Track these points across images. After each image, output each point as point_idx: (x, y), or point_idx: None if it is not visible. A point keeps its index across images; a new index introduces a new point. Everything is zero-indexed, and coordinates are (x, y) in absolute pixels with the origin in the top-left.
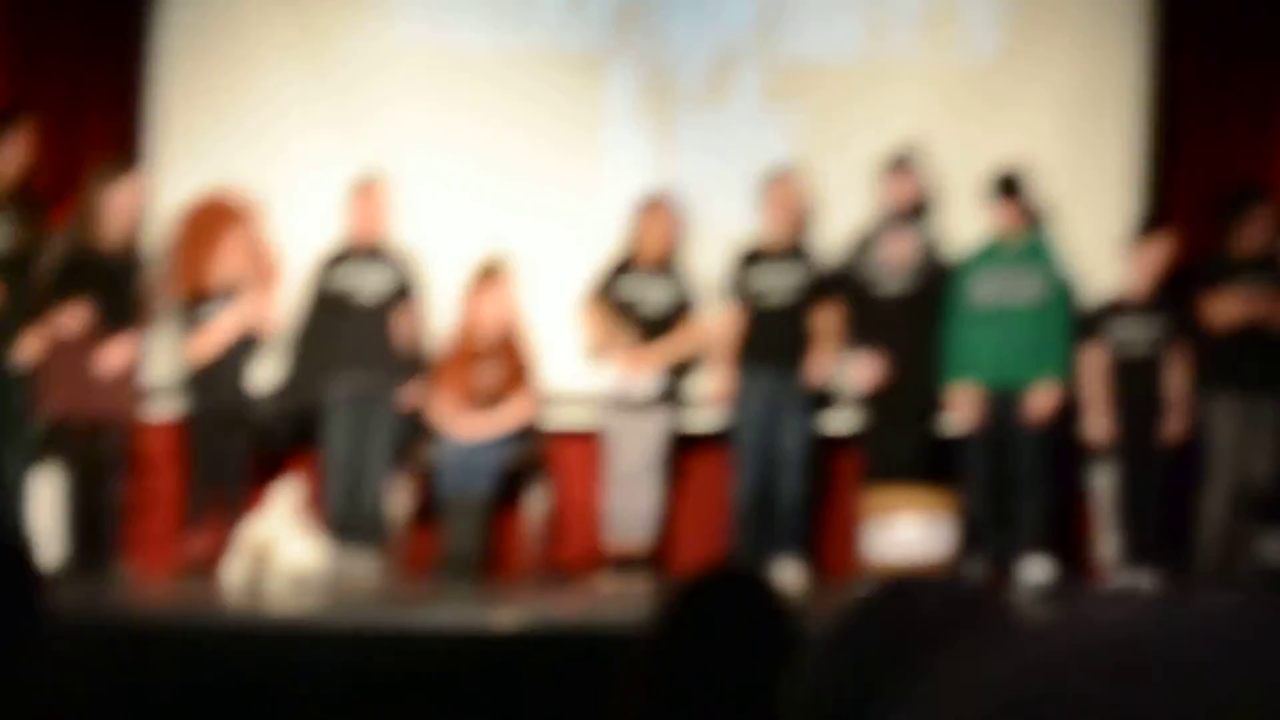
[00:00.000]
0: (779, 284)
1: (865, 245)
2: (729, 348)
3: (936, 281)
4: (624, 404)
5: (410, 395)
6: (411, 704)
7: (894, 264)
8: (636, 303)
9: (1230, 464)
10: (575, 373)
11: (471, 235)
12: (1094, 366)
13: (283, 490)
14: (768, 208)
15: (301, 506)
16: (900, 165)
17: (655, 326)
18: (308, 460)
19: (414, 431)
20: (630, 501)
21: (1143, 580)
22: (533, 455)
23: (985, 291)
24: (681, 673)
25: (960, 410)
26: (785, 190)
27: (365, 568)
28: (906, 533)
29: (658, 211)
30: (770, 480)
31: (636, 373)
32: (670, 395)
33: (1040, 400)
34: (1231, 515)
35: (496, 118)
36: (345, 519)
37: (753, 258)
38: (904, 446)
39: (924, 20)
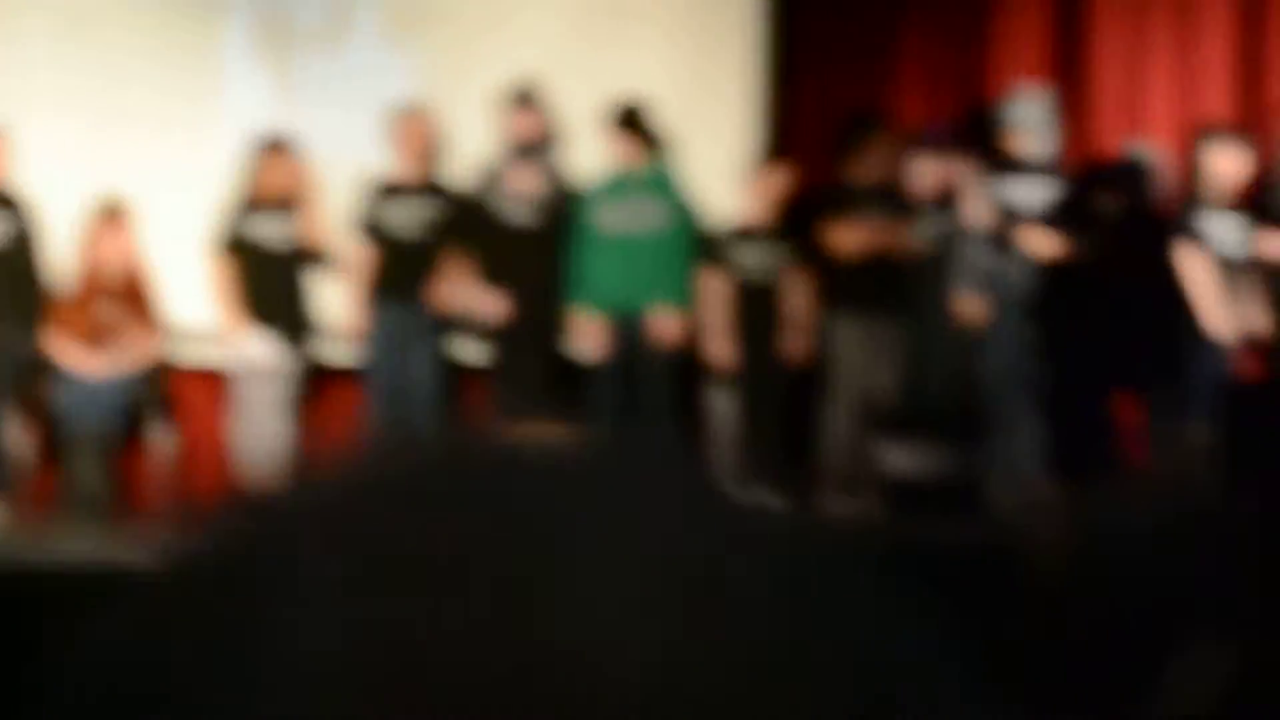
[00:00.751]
0: (411, 219)
1: (492, 179)
2: (360, 281)
3: (563, 213)
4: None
5: (30, 336)
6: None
7: (520, 197)
8: (261, 243)
9: (852, 381)
10: (200, 310)
11: (92, 177)
12: (715, 292)
13: None
14: (397, 143)
15: None
16: (523, 100)
17: (278, 266)
18: None
19: (35, 371)
20: (259, 438)
21: (765, 499)
22: (157, 391)
23: (610, 221)
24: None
25: (586, 338)
26: (414, 125)
27: None
28: None
29: (279, 151)
30: (403, 412)
31: (251, 338)
32: (294, 343)
33: (663, 325)
34: (854, 430)
35: (116, 60)
36: None
37: (385, 192)
38: (533, 379)
39: None
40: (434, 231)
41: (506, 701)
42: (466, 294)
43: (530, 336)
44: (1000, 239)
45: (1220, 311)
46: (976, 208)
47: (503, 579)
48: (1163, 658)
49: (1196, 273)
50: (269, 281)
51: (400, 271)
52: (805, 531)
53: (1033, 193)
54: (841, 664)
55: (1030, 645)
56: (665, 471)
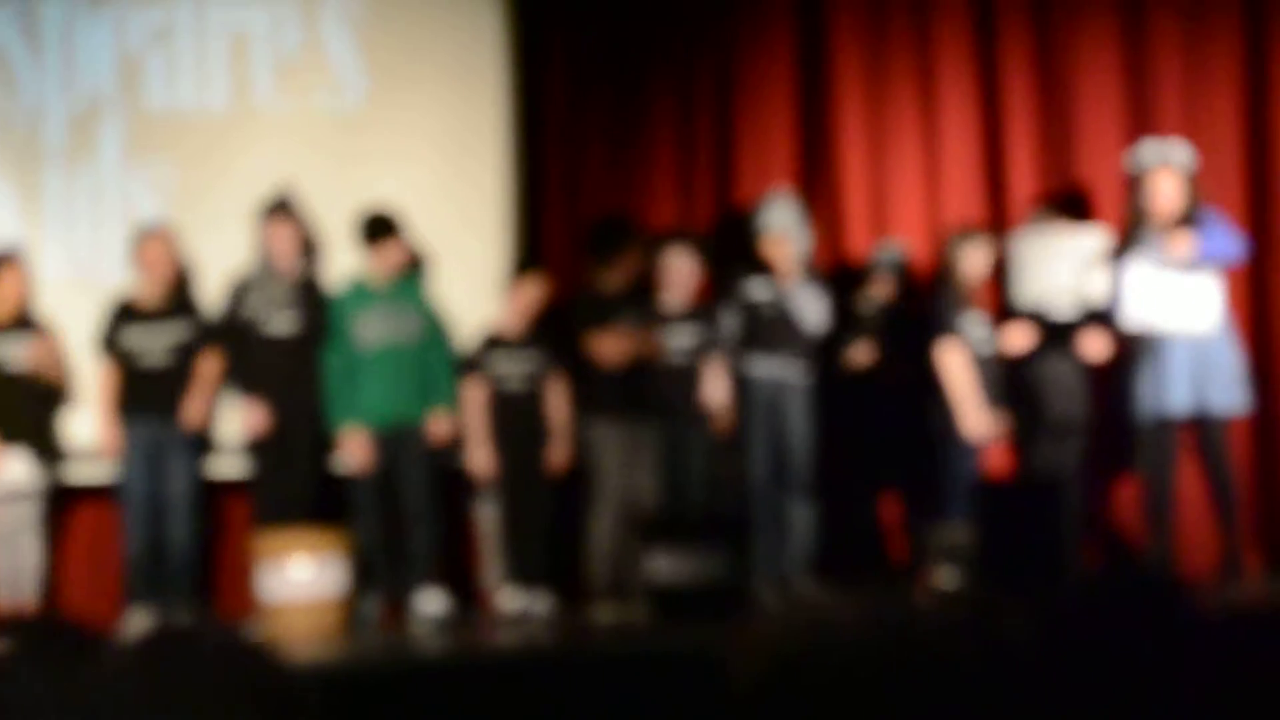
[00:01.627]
0: (156, 342)
1: (244, 290)
2: (107, 402)
3: (321, 323)
4: None
5: None
6: None
7: (278, 308)
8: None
9: (616, 487)
10: None
11: None
12: (474, 401)
13: None
14: (140, 265)
15: None
16: (280, 208)
17: (20, 385)
18: None
19: None
20: (10, 562)
21: (535, 605)
22: None
23: (367, 332)
24: None
25: (350, 451)
26: (157, 246)
27: None
28: (299, 573)
29: (8, 266)
30: (160, 529)
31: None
32: (41, 459)
33: (436, 428)
34: (618, 536)
35: None
36: None
37: (128, 314)
38: (293, 490)
39: (287, 68)
40: (180, 354)
41: None
42: (222, 407)
43: (290, 447)
44: (760, 343)
45: (978, 410)
46: (729, 317)
47: None
48: None
49: (956, 371)
50: (11, 401)
51: (148, 393)
52: None
53: (793, 297)
54: None
55: None
56: None
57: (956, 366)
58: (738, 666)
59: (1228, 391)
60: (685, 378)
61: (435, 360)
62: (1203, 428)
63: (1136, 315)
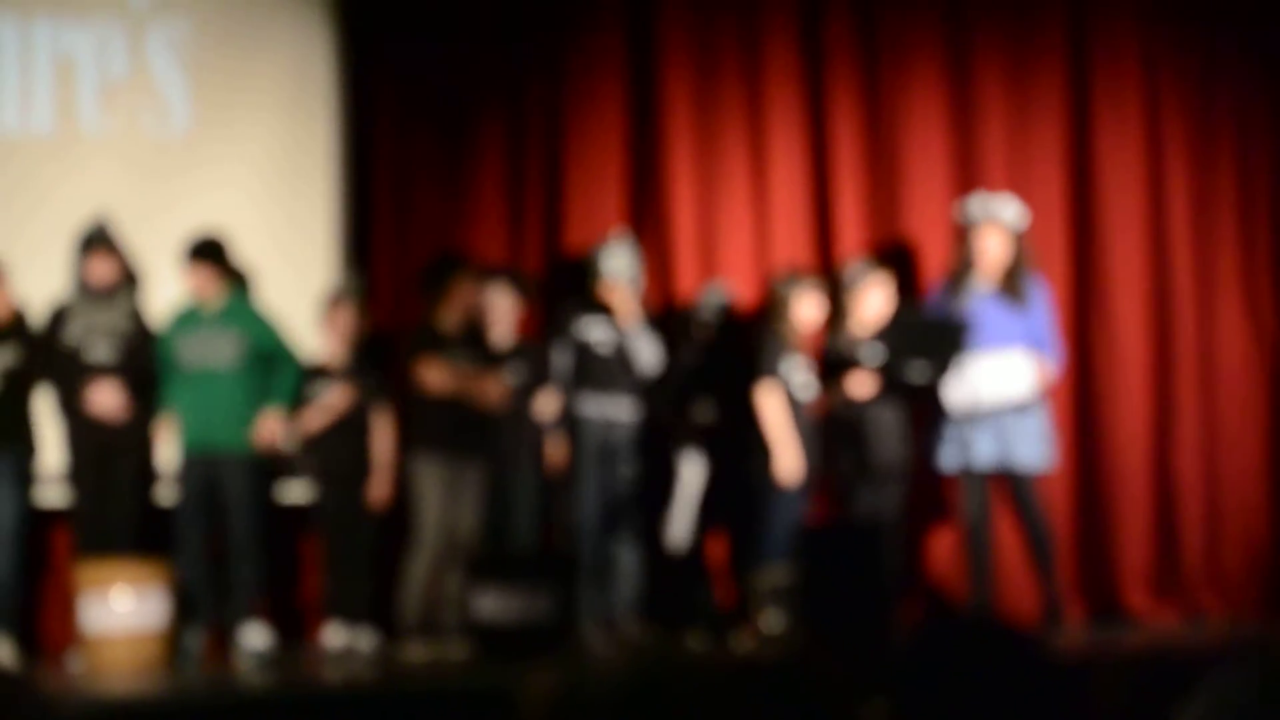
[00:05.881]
0: None
1: (64, 317)
2: None
3: (146, 350)
4: None
5: None
6: None
7: (98, 335)
8: None
9: (436, 525)
10: None
11: None
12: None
13: None
14: None
15: None
16: (98, 239)
17: None
18: None
19: None
20: None
21: (359, 641)
22: None
23: (187, 355)
24: None
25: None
26: None
27: None
28: (121, 605)
29: None
30: None
31: None
32: None
33: (262, 426)
34: (436, 574)
35: None
36: None
37: None
38: (115, 520)
39: (112, 93)
40: (12, 378)
41: None
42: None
43: (113, 476)
44: (593, 382)
45: (792, 454)
46: (560, 355)
47: None
48: None
49: (773, 414)
50: None
51: None
52: None
53: (631, 338)
54: None
55: None
56: None
57: (773, 410)
58: (526, 705)
59: (1032, 449)
60: (512, 415)
61: (251, 390)
62: (1012, 483)
63: (959, 394)
